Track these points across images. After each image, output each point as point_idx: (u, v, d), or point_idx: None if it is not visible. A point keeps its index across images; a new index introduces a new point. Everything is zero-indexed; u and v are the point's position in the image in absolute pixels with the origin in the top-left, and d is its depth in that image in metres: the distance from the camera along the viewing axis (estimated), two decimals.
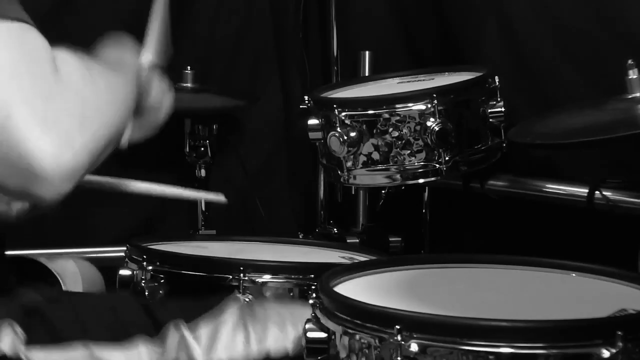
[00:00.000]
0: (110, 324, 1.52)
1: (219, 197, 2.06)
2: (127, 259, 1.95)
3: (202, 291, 1.79)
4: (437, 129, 1.94)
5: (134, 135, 1.67)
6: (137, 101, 1.52)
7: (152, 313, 1.55)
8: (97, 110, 1.24)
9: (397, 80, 2.31)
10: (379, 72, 2.60)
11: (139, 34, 1.77)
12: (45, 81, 1.17)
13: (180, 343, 1.51)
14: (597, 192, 2.16)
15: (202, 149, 2.67)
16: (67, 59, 1.24)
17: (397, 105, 1.98)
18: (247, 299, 1.72)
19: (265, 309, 1.62)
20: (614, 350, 1.18)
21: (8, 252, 1.66)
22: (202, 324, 1.54)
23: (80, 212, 2.63)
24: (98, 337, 1.49)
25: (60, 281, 1.89)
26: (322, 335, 1.36)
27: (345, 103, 2.06)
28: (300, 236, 2.63)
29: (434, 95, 1.96)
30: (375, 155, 2.00)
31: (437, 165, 1.97)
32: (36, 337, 1.46)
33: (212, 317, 1.56)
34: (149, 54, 1.75)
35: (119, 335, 1.50)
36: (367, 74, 2.70)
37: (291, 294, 1.77)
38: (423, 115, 1.96)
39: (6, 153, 1.14)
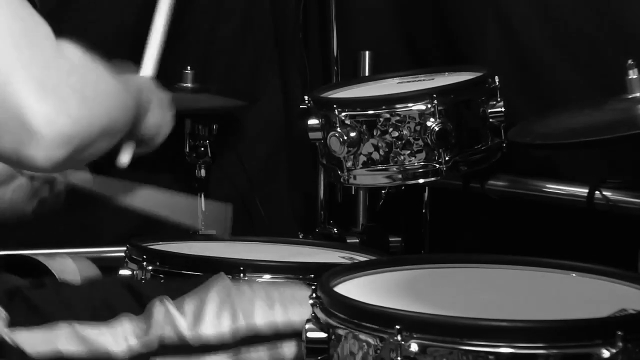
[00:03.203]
0: (94, 303, 1.51)
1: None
2: (127, 259, 1.95)
3: None
4: (437, 129, 1.94)
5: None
6: (136, 121, 1.53)
7: (137, 292, 1.54)
8: (96, 93, 1.26)
9: (397, 80, 2.31)
10: (379, 72, 2.60)
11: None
12: (45, 52, 1.20)
13: (165, 317, 1.50)
14: (597, 192, 2.16)
15: (202, 149, 2.67)
16: (72, 46, 1.26)
17: (397, 105, 1.98)
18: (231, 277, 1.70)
19: (253, 288, 1.61)
20: (614, 350, 1.18)
21: (6, 252, 1.67)
22: (188, 300, 1.54)
23: (81, 212, 2.63)
24: (82, 316, 1.48)
25: (58, 279, 1.88)
26: (322, 335, 1.36)
27: (345, 103, 2.05)
28: (300, 236, 2.63)
29: (434, 95, 1.96)
30: (375, 155, 2.00)
31: (437, 165, 1.97)
32: (19, 317, 1.46)
33: (197, 294, 1.55)
34: (146, 73, 1.76)
35: (103, 314, 1.50)
36: (367, 74, 2.70)
37: None
38: (423, 115, 1.96)
39: (2, 113, 1.15)
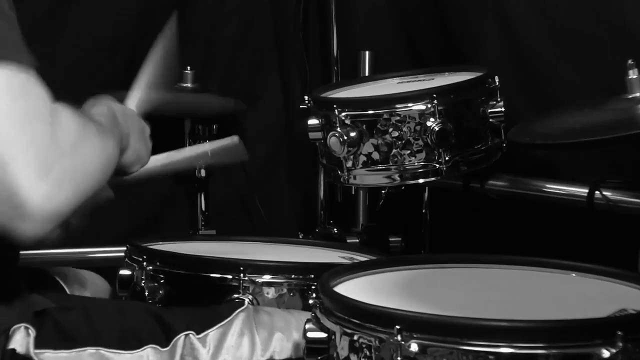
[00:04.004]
0: (122, 331, 1.55)
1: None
2: (127, 259, 1.94)
3: (202, 291, 1.79)
4: (437, 129, 1.94)
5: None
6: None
7: (165, 323, 1.58)
8: (87, 166, 1.32)
9: (397, 80, 2.31)
10: (379, 72, 2.60)
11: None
12: (43, 134, 1.25)
13: (188, 351, 1.56)
14: (597, 192, 2.16)
15: None
16: (66, 115, 1.30)
17: (397, 105, 1.98)
18: (248, 299, 1.73)
19: (271, 315, 1.64)
20: (614, 350, 1.18)
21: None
22: (211, 334, 1.58)
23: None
24: (109, 343, 1.53)
25: (67, 291, 1.88)
26: (322, 335, 1.36)
27: (345, 103, 2.06)
28: (300, 236, 2.63)
29: (434, 95, 1.96)
30: (375, 155, 2.00)
31: (437, 165, 1.97)
32: (47, 338, 1.49)
33: (221, 327, 1.59)
34: (132, 103, 1.77)
35: (130, 342, 1.54)
36: (367, 74, 2.70)
37: (291, 294, 1.77)
38: (423, 115, 1.96)
39: (2, 190, 1.21)
